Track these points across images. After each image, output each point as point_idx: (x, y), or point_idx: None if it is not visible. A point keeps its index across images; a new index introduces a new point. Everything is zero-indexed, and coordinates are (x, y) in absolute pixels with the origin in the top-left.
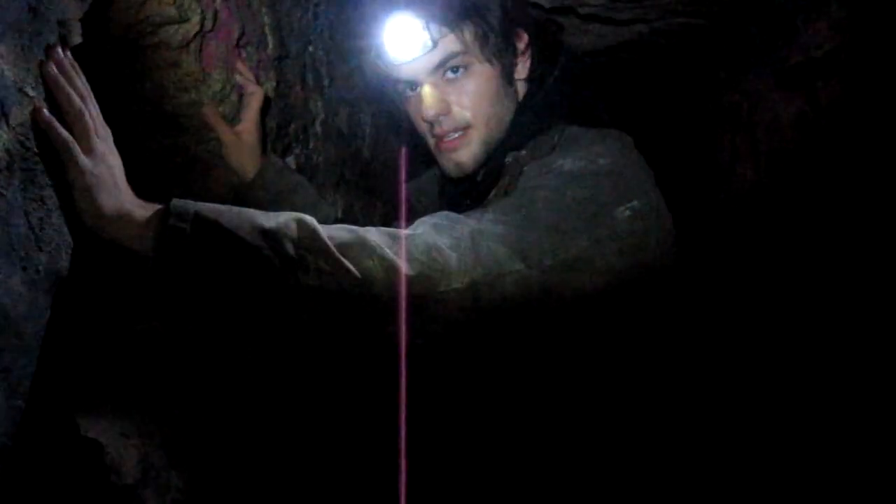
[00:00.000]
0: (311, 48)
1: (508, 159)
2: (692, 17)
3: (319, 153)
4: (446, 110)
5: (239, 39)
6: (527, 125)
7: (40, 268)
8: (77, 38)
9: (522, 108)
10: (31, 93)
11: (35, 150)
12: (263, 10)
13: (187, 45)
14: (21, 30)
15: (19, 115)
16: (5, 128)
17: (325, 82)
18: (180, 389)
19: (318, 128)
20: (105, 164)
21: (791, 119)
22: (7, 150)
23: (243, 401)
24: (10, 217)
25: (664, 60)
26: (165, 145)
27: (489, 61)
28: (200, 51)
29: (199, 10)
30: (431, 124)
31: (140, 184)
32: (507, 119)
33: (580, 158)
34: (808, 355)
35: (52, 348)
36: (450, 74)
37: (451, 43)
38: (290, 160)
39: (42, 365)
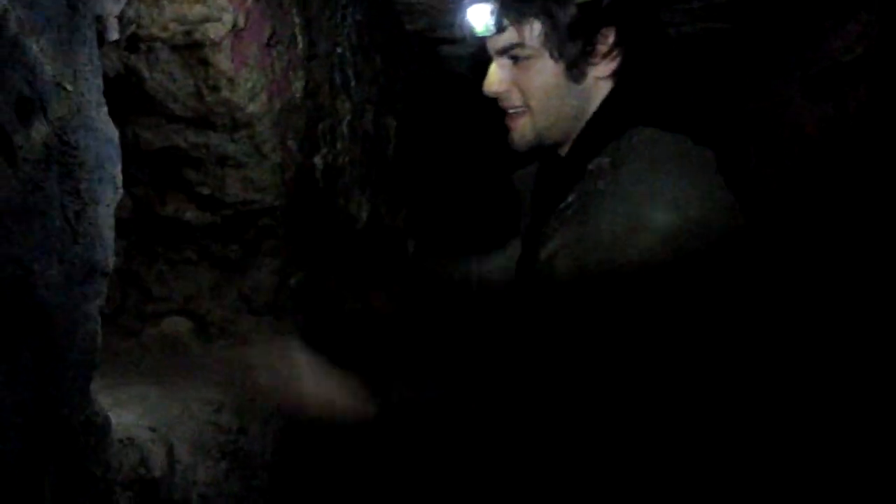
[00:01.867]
0: (339, 49)
1: (591, 167)
2: (719, 22)
3: (346, 154)
4: (506, 89)
5: (270, 39)
6: (603, 125)
7: (76, 261)
8: (114, 35)
9: (602, 108)
10: (69, 87)
11: (73, 144)
12: (294, 10)
13: (219, 43)
14: (60, 25)
15: (58, 109)
16: (44, 121)
17: (352, 83)
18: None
19: (345, 128)
20: None
21: (817, 125)
22: (45, 144)
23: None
24: (48, 210)
25: (692, 65)
26: (197, 143)
27: (553, 57)
28: (232, 49)
29: (230, 10)
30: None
31: (167, 178)
32: (572, 115)
33: (667, 210)
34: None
35: (90, 342)
36: (513, 61)
37: (513, 34)
38: (318, 160)
39: (81, 358)
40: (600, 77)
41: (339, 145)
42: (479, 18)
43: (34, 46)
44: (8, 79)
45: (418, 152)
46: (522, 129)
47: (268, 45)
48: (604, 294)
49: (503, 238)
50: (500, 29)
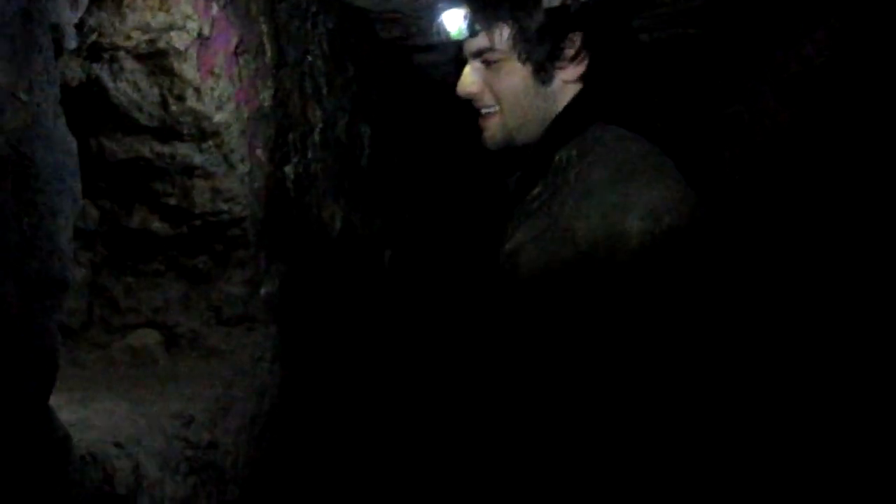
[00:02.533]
0: (309, 57)
1: (557, 157)
2: (692, 27)
3: (318, 162)
4: (478, 91)
5: (237, 47)
6: (568, 122)
7: (33, 275)
8: (73, 43)
9: (568, 107)
10: (24, 97)
11: (28, 155)
12: (262, 17)
13: (184, 52)
14: (13, 34)
15: (12, 119)
16: None
17: (324, 91)
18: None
19: (317, 137)
20: None
21: (790, 127)
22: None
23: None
24: (2, 223)
25: (667, 71)
26: (163, 153)
27: (521, 60)
28: (198, 58)
29: (196, 18)
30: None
31: (133, 190)
32: (540, 116)
33: (644, 219)
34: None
35: (48, 357)
36: (485, 64)
37: (484, 38)
38: (288, 169)
39: (38, 373)
40: (568, 80)
41: (310, 154)
42: (453, 23)
43: None
44: None
45: (393, 161)
46: (493, 129)
47: (235, 53)
48: (575, 292)
49: (475, 246)
50: (472, 33)
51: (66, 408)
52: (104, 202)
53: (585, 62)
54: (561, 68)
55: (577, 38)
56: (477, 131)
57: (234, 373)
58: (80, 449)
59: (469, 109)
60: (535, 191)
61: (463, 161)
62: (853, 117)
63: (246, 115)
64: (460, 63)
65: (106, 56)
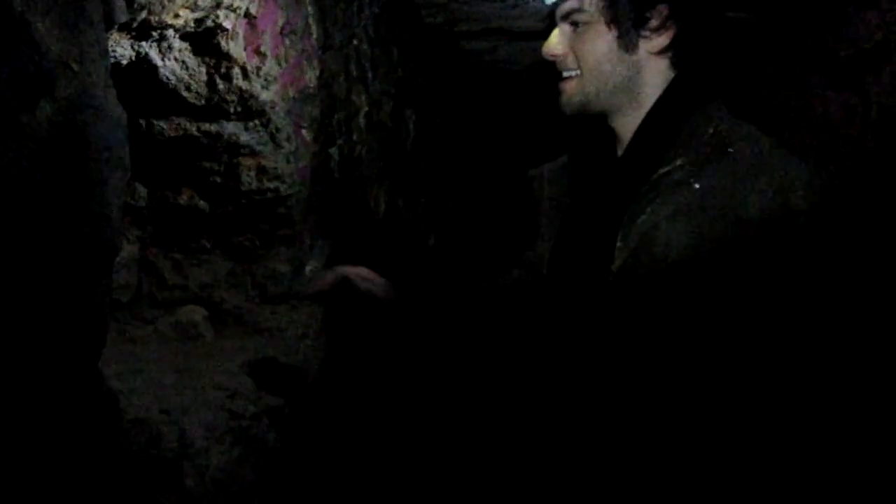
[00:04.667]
0: (355, 41)
1: (663, 171)
2: (741, 11)
3: (363, 145)
4: (562, 53)
5: (283, 27)
6: (668, 116)
7: (83, 240)
8: (122, 17)
9: (665, 96)
10: (75, 67)
11: (79, 123)
12: (307, 0)
13: (231, 31)
14: (66, 5)
15: (64, 88)
16: (49, 101)
17: (369, 75)
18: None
19: (362, 120)
20: None
21: (840, 114)
22: (51, 123)
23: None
24: (54, 189)
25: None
26: (210, 132)
27: (606, 24)
28: (244, 37)
29: None
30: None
31: (180, 168)
32: (621, 84)
33: (805, 198)
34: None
35: (97, 318)
36: (572, 26)
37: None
38: (334, 151)
39: (88, 334)
40: (651, 51)
41: (355, 136)
42: None
43: (40, 25)
44: (13, 57)
45: (439, 147)
46: (571, 92)
47: (281, 33)
48: (744, 268)
49: (520, 237)
50: None
51: (115, 378)
52: (153, 180)
53: (670, 35)
54: (646, 38)
55: (664, 9)
56: (523, 123)
57: (277, 350)
58: (129, 414)
59: (517, 99)
60: (665, 169)
61: (508, 149)
62: None
63: (291, 95)
64: (502, 54)
65: (155, 34)
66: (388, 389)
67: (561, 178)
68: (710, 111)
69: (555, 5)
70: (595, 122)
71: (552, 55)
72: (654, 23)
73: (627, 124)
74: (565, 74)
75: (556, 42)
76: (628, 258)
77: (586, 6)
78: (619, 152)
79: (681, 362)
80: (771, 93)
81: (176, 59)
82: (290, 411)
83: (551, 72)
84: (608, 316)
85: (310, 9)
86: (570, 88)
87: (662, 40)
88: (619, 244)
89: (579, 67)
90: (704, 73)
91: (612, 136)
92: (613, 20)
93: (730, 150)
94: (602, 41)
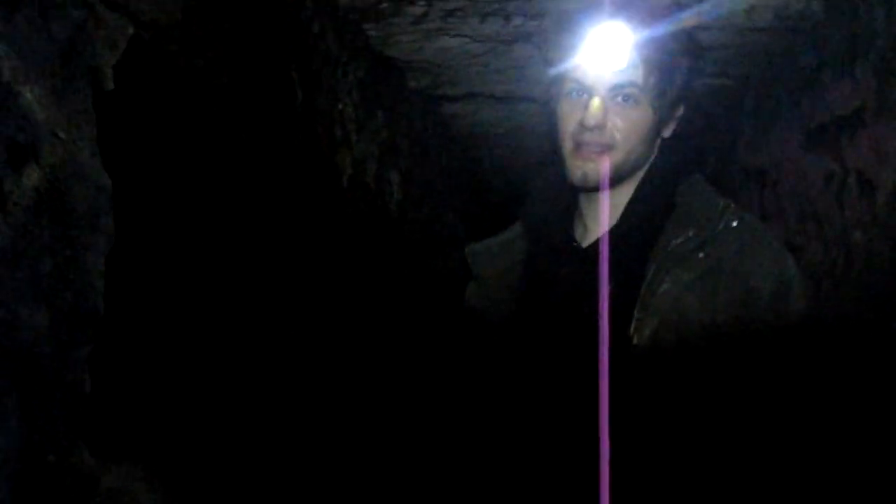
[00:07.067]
0: (339, 105)
1: (676, 242)
2: (719, 77)
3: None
4: (603, 125)
5: None
6: (659, 188)
7: (65, 307)
8: (109, 84)
9: (652, 169)
10: (62, 135)
11: (65, 190)
12: (292, 66)
13: None
14: (54, 74)
15: (50, 156)
16: (36, 168)
17: (354, 138)
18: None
19: (345, 182)
20: None
21: (818, 178)
22: (37, 190)
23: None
24: (37, 255)
25: (691, 120)
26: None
27: (653, 107)
28: None
29: None
30: (581, 131)
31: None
32: (642, 163)
33: (794, 264)
34: None
35: (77, 389)
36: (620, 100)
37: (638, 74)
38: None
39: (65, 401)
40: (665, 137)
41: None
42: (605, 48)
43: (28, 94)
44: (1, 125)
45: (424, 208)
46: (607, 166)
47: None
48: (753, 332)
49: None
50: (624, 66)
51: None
52: None
53: (679, 118)
54: (670, 123)
55: (683, 103)
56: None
57: None
58: (107, 482)
59: (498, 159)
60: (678, 240)
61: (486, 211)
62: (883, 166)
63: None
64: (483, 118)
65: None
66: (388, 389)
67: (506, 253)
68: (694, 182)
69: (582, 65)
70: (576, 193)
71: (597, 124)
72: (676, 112)
73: (617, 195)
74: (595, 148)
75: (602, 113)
76: (658, 326)
77: (642, 85)
78: (598, 224)
79: (713, 422)
80: (748, 157)
81: None
82: None
83: (529, 137)
84: (635, 383)
85: (294, 75)
86: (603, 160)
87: (674, 124)
88: (637, 315)
89: (616, 142)
90: (686, 143)
91: (575, 208)
92: (660, 103)
93: (734, 224)
94: (647, 120)
